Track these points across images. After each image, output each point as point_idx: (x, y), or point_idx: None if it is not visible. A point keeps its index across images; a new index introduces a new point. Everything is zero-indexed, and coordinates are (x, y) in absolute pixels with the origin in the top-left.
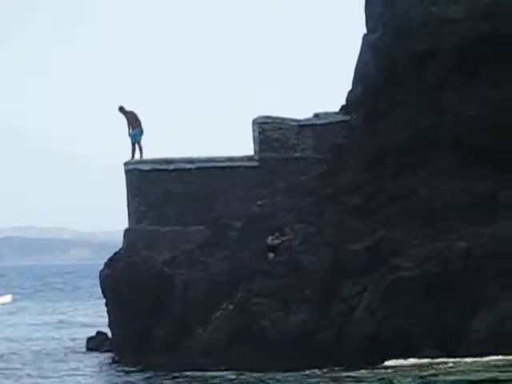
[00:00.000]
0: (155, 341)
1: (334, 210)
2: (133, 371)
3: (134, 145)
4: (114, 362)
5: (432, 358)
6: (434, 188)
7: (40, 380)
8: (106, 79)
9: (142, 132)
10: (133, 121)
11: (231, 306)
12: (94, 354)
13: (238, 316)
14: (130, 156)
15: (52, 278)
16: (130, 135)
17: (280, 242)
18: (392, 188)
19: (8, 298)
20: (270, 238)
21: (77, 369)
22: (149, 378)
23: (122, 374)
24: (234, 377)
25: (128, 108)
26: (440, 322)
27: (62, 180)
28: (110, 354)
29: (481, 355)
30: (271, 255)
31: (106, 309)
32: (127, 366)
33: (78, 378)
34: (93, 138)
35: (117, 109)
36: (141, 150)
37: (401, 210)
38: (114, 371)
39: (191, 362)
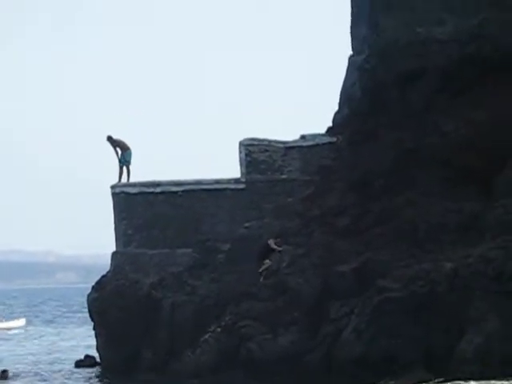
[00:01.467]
0: (143, 363)
1: (321, 231)
2: None
3: (121, 168)
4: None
5: (420, 379)
6: (421, 209)
7: None
8: (94, 104)
9: (131, 154)
10: (122, 144)
11: (219, 329)
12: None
13: (225, 339)
14: (117, 179)
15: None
16: (120, 160)
17: (279, 249)
18: (379, 209)
19: (22, 322)
20: (272, 240)
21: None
22: None
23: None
24: None
25: (115, 136)
26: (427, 342)
27: (47, 203)
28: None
29: (469, 376)
30: (267, 262)
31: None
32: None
33: None
34: (82, 159)
35: (105, 139)
36: (129, 172)
37: (387, 231)
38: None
39: (180, 382)
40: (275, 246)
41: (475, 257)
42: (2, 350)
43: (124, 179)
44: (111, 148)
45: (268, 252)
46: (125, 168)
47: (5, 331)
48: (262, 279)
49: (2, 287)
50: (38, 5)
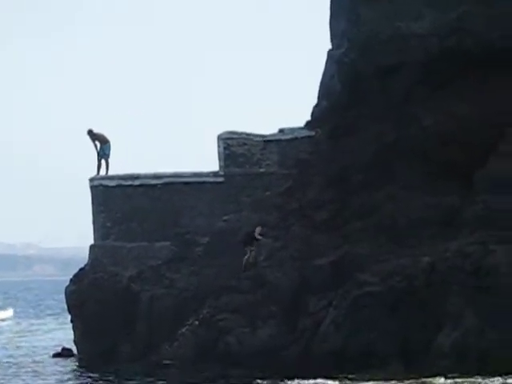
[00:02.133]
0: (121, 356)
1: (299, 225)
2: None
3: (100, 160)
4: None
5: (397, 373)
6: (400, 203)
7: None
8: (75, 96)
9: (110, 147)
10: (102, 138)
11: (197, 322)
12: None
13: (203, 332)
14: (96, 172)
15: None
16: (98, 153)
17: (260, 238)
18: (357, 203)
19: (9, 313)
20: (259, 228)
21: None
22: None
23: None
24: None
25: (96, 130)
26: (405, 336)
27: (27, 195)
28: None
29: (445, 370)
30: (250, 250)
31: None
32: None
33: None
34: (60, 152)
35: (86, 132)
36: (107, 165)
37: (366, 225)
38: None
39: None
40: (259, 237)
41: (453, 251)
42: None
43: (103, 172)
44: (90, 141)
45: (251, 239)
46: (103, 161)
47: None
48: (243, 268)
49: None
50: (37, 5)
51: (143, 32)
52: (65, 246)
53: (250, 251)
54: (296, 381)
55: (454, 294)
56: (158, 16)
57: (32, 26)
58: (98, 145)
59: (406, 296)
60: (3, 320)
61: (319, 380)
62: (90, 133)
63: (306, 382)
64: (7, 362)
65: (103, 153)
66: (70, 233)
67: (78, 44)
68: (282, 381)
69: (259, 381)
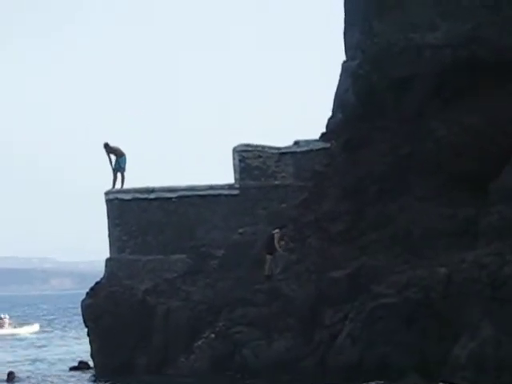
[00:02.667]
0: (137, 370)
1: (315, 237)
2: None
3: (115, 174)
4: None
5: None
6: (415, 214)
7: None
8: (87, 112)
9: (126, 160)
10: (118, 151)
11: (213, 335)
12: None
13: (219, 345)
14: (111, 185)
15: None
16: (114, 166)
17: (282, 244)
18: (373, 215)
19: (36, 327)
20: (277, 232)
21: None
22: None
23: None
24: None
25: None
26: (421, 348)
27: (45, 210)
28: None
29: (463, 381)
30: (268, 257)
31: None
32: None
33: None
34: (79, 168)
35: (102, 146)
36: (123, 179)
37: (382, 236)
38: None
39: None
40: (278, 247)
41: (469, 262)
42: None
43: (118, 185)
44: (105, 155)
45: (272, 246)
46: (119, 174)
47: (15, 335)
48: (265, 277)
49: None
50: (37, 5)
51: (156, 40)
52: (81, 259)
53: (270, 260)
54: None
55: (471, 305)
56: (173, 19)
57: (32, 26)
58: (114, 158)
59: (422, 308)
60: (30, 334)
61: None
62: (107, 146)
63: None
64: (27, 376)
65: (119, 166)
66: (87, 246)
67: (80, 44)
68: None
69: None
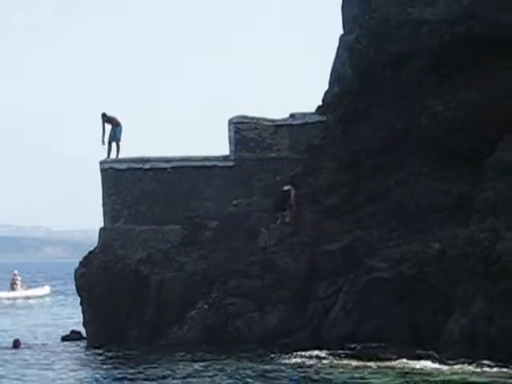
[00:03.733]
0: (130, 339)
1: (310, 210)
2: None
3: (110, 144)
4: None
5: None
6: (410, 189)
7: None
8: (88, 77)
9: (121, 130)
10: (114, 121)
11: (206, 306)
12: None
13: (212, 315)
14: (106, 155)
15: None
16: (109, 135)
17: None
18: (368, 189)
19: (47, 289)
20: (291, 187)
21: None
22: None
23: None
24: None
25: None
26: (414, 322)
27: (38, 178)
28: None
29: (454, 356)
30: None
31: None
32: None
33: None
34: (72, 137)
35: (100, 115)
36: (118, 149)
37: (376, 210)
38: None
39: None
40: (294, 203)
41: (463, 238)
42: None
43: (113, 155)
44: (101, 125)
45: (283, 204)
46: (114, 144)
47: (28, 299)
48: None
49: None
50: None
51: (154, 17)
52: (75, 228)
53: (283, 216)
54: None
55: (464, 281)
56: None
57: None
58: (109, 128)
59: (416, 282)
60: (41, 297)
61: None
62: (104, 116)
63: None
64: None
65: (114, 135)
66: (81, 215)
67: (90, 29)
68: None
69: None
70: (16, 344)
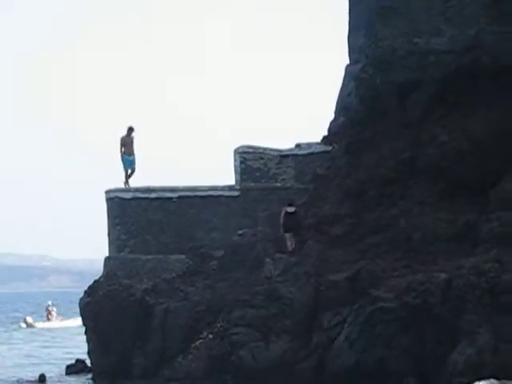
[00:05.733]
0: (134, 369)
1: (315, 240)
2: None
3: (127, 171)
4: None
5: None
6: (415, 219)
7: None
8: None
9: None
10: (130, 146)
11: (211, 336)
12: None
13: (217, 345)
14: (124, 182)
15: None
16: (123, 160)
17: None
18: (373, 218)
19: (79, 321)
20: (287, 208)
21: None
22: None
23: None
24: None
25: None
26: (419, 353)
27: (44, 207)
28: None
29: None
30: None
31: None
32: None
33: None
34: (78, 164)
35: (127, 127)
36: (131, 175)
37: (381, 240)
38: None
39: None
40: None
41: (468, 268)
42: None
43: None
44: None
45: (295, 222)
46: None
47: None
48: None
49: None
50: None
51: (159, 37)
52: (80, 257)
53: (292, 236)
54: None
55: (470, 311)
56: (175, 19)
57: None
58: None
59: (421, 312)
60: (75, 328)
61: None
62: (131, 130)
63: None
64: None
65: (131, 165)
66: (86, 245)
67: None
68: None
69: None
70: (41, 379)
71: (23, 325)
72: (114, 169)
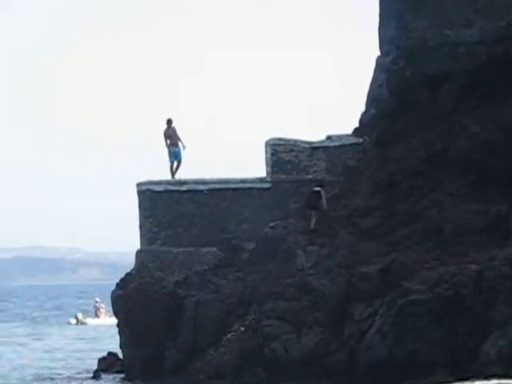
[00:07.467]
0: (166, 362)
1: (346, 232)
2: None
3: (173, 162)
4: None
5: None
6: (446, 210)
7: None
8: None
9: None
10: (174, 137)
11: (243, 328)
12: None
13: (249, 338)
14: (170, 175)
15: None
16: (169, 151)
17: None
18: (404, 210)
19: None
20: (321, 189)
21: None
22: None
23: None
24: None
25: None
26: (451, 345)
27: (78, 201)
28: (120, 376)
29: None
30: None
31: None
32: None
33: None
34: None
35: (165, 120)
36: (178, 167)
37: (413, 232)
38: None
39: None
40: (325, 204)
41: (500, 259)
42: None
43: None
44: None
45: (316, 200)
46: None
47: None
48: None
49: (25, 283)
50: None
51: (188, 28)
52: (111, 250)
53: (314, 215)
54: None
55: (501, 303)
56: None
57: None
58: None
59: (453, 304)
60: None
61: None
62: (170, 122)
63: None
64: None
65: (178, 156)
66: (117, 237)
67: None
68: None
69: None
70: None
71: (73, 321)
72: (147, 161)
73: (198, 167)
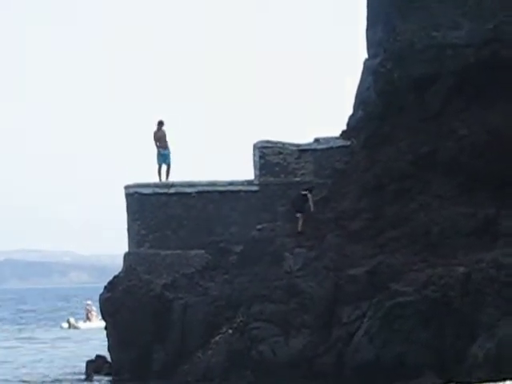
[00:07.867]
0: (154, 364)
1: (334, 234)
2: None
3: (161, 165)
4: None
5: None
6: (434, 213)
7: None
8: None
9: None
10: (163, 140)
11: (230, 331)
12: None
13: (237, 340)
14: (158, 178)
15: None
16: (158, 153)
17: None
18: (392, 213)
19: None
20: (308, 193)
21: None
22: None
23: None
24: None
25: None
26: (439, 347)
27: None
28: (108, 379)
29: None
30: (299, 215)
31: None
32: None
33: None
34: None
35: (156, 121)
36: (168, 171)
37: (400, 234)
38: None
39: None
40: (312, 207)
41: (488, 262)
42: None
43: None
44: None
45: (303, 203)
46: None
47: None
48: (299, 229)
49: (18, 286)
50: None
51: (175, 32)
52: (100, 253)
53: (301, 217)
54: None
55: (489, 305)
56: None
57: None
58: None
59: (440, 306)
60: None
61: None
62: (161, 124)
63: None
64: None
65: (167, 159)
66: (108, 240)
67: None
68: None
69: None
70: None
71: (65, 325)
72: (136, 164)
73: (187, 170)
